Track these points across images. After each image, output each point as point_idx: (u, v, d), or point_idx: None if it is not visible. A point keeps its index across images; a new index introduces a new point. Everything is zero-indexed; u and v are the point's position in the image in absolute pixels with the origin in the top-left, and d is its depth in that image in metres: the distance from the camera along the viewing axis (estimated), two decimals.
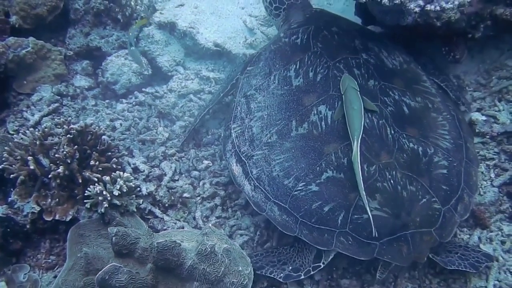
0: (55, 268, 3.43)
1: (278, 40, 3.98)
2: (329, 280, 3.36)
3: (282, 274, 3.23)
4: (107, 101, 4.71)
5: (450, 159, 3.36)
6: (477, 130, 3.87)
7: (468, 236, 3.51)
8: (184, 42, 5.05)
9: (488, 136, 3.86)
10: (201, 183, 3.93)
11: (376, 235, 3.02)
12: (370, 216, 2.98)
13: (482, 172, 3.75)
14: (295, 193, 3.22)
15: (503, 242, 3.44)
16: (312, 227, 3.15)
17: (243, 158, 3.50)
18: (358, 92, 3.33)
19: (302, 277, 3.22)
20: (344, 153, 3.22)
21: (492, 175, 3.73)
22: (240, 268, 3.04)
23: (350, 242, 3.07)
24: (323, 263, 3.22)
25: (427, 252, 3.12)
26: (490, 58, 4.23)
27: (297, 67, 3.66)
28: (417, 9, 3.00)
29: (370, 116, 3.33)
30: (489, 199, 3.61)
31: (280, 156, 3.35)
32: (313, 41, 3.79)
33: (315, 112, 3.41)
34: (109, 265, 2.77)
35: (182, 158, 4.12)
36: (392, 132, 3.33)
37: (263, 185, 3.35)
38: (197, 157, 4.12)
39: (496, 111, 3.96)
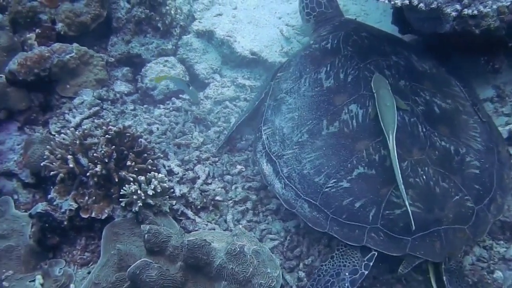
0: (89, 265, 3.51)
1: (308, 46, 4.04)
2: None
3: (347, 284, 3.08)
4: (145, 106, 4.80)
5: (482, 160, 3.31)
6: None
7: (504, 249, 3.40)
8: (221, 50, 5.12)
9: None
10: (233, 187, 3.96)
11: (414, 230, 2.95)
12: (409, 209, 2.90)
13: None
14: (326, 190, 3.21)
15: None
16: (343, 223, 3.12)
17: (273, 157, 3.53)
18: (390, 90, 3.31)
19: (363, 271, 3.08)
20: (375, 149, 3.22)
21: None
22: (269, 270, 3.04)
23: (381, 237, 3.04)
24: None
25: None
26: None
27: (328, 69, 3.68)
28: (454, 14, 2.95)
29: (401, 113, 3.31)
30: None
31: (311, 154, 3.36)
32: (343, 45, 3.81)
33: (346, 111, 3.41)
34: (140, 260, 2.83)
35: (216, 163, 4.17)
36: (424, 130, 3.30)
37: (294, 183, 3.36)
38: (231, 162, 4.16)
39: None
